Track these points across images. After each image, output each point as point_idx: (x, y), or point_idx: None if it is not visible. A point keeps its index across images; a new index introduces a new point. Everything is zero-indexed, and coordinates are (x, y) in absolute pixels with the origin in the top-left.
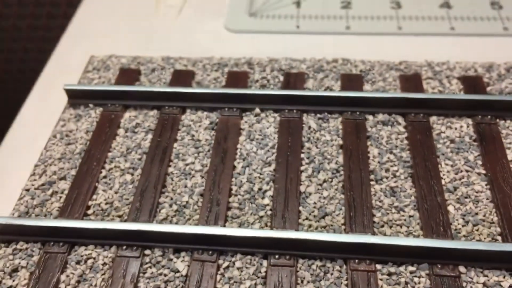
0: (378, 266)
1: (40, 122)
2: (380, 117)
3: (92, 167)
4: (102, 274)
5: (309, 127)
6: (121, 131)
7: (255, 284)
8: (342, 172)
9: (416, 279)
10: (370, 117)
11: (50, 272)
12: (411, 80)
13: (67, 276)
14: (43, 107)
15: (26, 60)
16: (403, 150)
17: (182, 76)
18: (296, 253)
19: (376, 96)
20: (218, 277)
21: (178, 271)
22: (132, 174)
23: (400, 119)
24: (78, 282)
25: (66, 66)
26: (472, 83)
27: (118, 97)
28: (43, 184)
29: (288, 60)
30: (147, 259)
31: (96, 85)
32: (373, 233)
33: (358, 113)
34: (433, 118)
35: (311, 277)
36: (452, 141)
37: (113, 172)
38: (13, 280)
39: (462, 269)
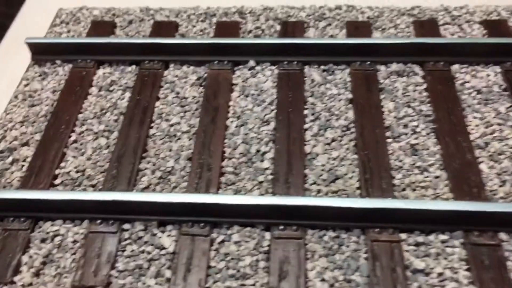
0: (403, 236)
1: (1, 84)
2: (394, 67)
3: (60, 130)
4: (72, 254)
5: (312, 81)
6: (93, 90)
7: (257, 260)
8: (353, 130)
9: (449, 249)
10: (382, 68)
11: (10, 252)
12: (427, 26)
13: (30, 257)
14: (5, 66)
15: None
16: (423, 103)
17: (164, 28)
18: (304, 223)
19: (389, 43)
20: (212, 253)
21: (164, 248)
22: (108, 138)
23: (417, 68)
24: (44, 264)
25: (32, 21)
26: (496, 27)
27: (90, 51)
28: (1, 151)
29: (284, 8)
30: (126, 235)
31: (64, 38)
32: (394, 198)
33: (368, 63)
34: (455, 67)
35: (323, 251)
36: (478, 92)
37: (85, 136)
38: None
39: (503, 236)
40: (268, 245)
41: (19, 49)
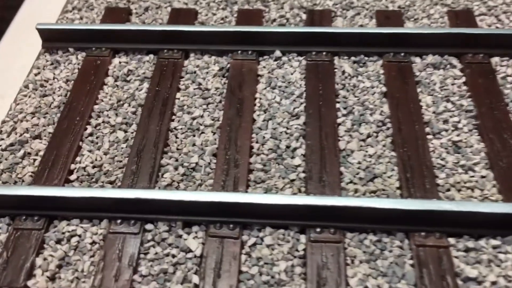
0: (451, 240)
1: (10, 71)
2: (430, 59)
3: (74, 122)
4: (90, 256)
5: (343, 72)
6: (109, 80)
7: (292, 265)
8: (389, 125)
9: (501, 256)
10: (417, 60)
11: (22, 254)
12: (462, 17)
13: (45, 259)
14: (14, 54)
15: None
16: (463, 97)
17: (182, 16)
18: (342, 225)
19: (425, 33)
20: (243, 257)
21: (190, 251)
22: (126, 131)
23: (454, 60)
24: (59, 267)
25: (41, 7)
26: None
27: (105, 39)
28: (12, 144)
29: None
30: (149, 236)
31: (77, 24)
32: (438, 199)
33: (402, 54)
34: (495, 59)
35: (364, 256)
36: None
37: (101, 128)
38: None
39: None
40: (304, 249)
41: (28, 35)
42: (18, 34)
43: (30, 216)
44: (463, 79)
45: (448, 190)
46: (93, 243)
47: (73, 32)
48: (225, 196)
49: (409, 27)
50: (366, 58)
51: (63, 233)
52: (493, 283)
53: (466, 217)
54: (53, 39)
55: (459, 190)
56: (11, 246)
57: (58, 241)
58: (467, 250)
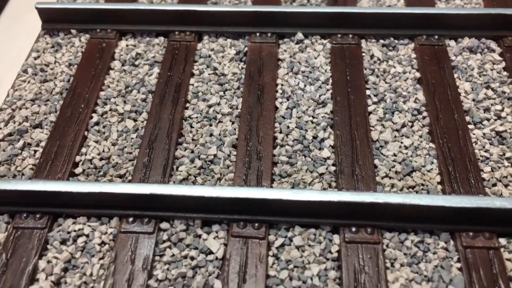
0: (503, 241)
1: (7, 55)
2: (466, 42)
3: (78, 110)
4: (100, 259)
5: (372, 56)
6: (116, 64)
7: (325, 269)
8: (425, 114)
9: None
10: (452, 43)
11: (24, 256)
12: None
13: (49, 262)
14: (10, 35)
15: None
16: (504, 83)
17: None
18: (381, 224)
19: (460, 14)
20: (270, 260)
21: (211, 253)
22: (135, 120)
23: (492, 44)
24: (65, 270)
25: None
26: None
27: (111, 20)
28: (10, 134)
29: None
30: (164, 236)
31: (79, 3)
32: (485, 195)
33: (436, 37)
34: None
35: (406, 258)
36: None
37: (109, 117)
38: None
39: None
40: (338, 251)
41: (26, 15)
42: (14, 14)
43: (31, 213)
44: (503, 64)
45: (495, 185)
46: (103, 243)
47: (75, 12)
48: (249, 192)
49: (442, 8)
50: (396, 41)
51: (69, 232)
52: None
53: None
54: (54, 20)
55: (506, 185)
56: (10, 247)
57: (63, 242)
58: None
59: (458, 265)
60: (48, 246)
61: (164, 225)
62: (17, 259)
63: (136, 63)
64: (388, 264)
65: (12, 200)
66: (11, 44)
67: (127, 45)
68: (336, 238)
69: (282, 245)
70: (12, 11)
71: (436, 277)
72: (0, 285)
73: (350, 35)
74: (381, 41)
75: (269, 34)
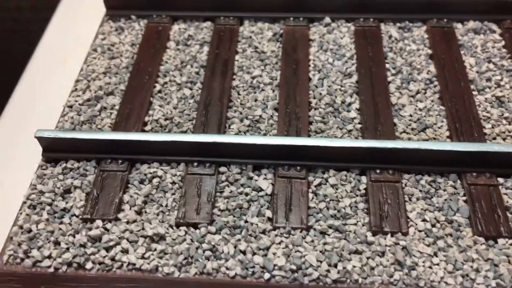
0: (501, 180)
1: (75, 36)
2: (471, 24)
3: (143, 81)
4: (172, 194)
5: (390, 37)
6: (171, 44)
7: (355, 202)
8: (436, 83)
9: None
10: (459, 25)
11: (111, 192)
12: None
13: (131, 196)
14: (77, 19)
15: None
16: (503, 58)
17: None
18: (400, 167)
19: (466, 0)
20: (310, 195)
21: (262, 190)
22: (191, 89)
23: (494, 26)
24: (145, 203)
25: None
26: None
27: (165, 7)
28: (88, 100)
29: None
30: (223, 177)
31: None
32: None
33: (445, 20)
34: None
35: (421, 194)
36: None
37: (169, 86)
38: (67, 202)
39: None
40: (365, 188)
41: (83, 2)
42: (73, 3)
43: (114, 159)
44: (503, 42)
45: (494, 138)
46: (173, 183)
47: (135, 0)
48: (292, 140)
49: None
50: (410, 24)
51: (145, 174)
52: None
53: None
54: (117, 7)
55: (504, 139)
56: (99, 185)
57: (141, 182)
58: None
59: (464, 198)
60: (129, 185)
61: (222, 169)
62: (105, 194)
63: (188, 43)
64: (407, 198)
65: (98, 148)
66: (76, 28)
67: (179, 29)
68: (364, 179)
69: (319, 184)
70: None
71: (446, 207)
72: (94, 213)
73: (371, 19)
74: (398, 24)
75: (301, 19)
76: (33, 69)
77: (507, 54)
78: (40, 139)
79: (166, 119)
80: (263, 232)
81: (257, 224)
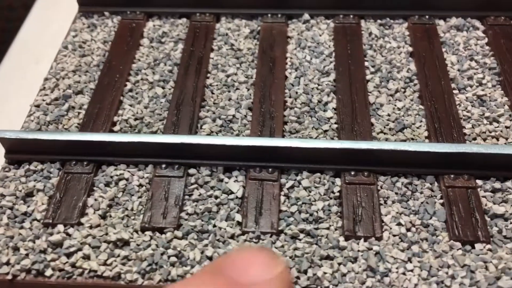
0: (479, 182)
1: (48, 34)
2: (454, 21)
3: (114, 79)
4: (138, 197)
5: (370, 34)
6: (145, 41)
7: (329, 205)
8: (416, 81)
9: None
10: (441, 22)
11: (74, 195)
12: None
13: (96, 200)
14: (50, 17)
15: None
16: (486, 56)
17: None
18: (375, 169)
19: None
20: (282, 198)
21: (232, 193)
22: (163, 87)
23: (477, 23)
24: (110, 206)
25: None
26: None
27: (139, 3)
28: (56, 99)
29: None
30: (192, 180)
31: None
32: None
33: (427, 17)
34: None
35: (397, 196)
36: None
37: (140, 85)
38: (28, 206)
39: None
40: (339, 191)
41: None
42: (49, 1)
43: (79, 161)
44: (486, 40)
45: (475, 139)
46: (140, 185)
47: None
48: (264, 141)
49: None
50: (391, 21)
51: (111, 177)
52: None
53: (494, 159)
54: (89, 4)
55: (484, 139)
56: (63, 188)
57: (107, 184)
58: (494, 190)
59: (441, 201)
60: (95, 188)
61: (192, 171)
62: (69, 197)
63: (163, 40)
64: (382, 201)
65: (63, 150)
66: (49, 26)
67: (154, 25)
68: (338, 181)
69: (292, 186)
70: None
71: (422, 210)
72: (56, 217)
73: (351, 16)
74: (379, 21)
75: (279, 15)
76: (5, 68)
77: (489, 51)
78: (2, 140)
79: (136, 119)
80: (232, 237)
81: (225, 229)
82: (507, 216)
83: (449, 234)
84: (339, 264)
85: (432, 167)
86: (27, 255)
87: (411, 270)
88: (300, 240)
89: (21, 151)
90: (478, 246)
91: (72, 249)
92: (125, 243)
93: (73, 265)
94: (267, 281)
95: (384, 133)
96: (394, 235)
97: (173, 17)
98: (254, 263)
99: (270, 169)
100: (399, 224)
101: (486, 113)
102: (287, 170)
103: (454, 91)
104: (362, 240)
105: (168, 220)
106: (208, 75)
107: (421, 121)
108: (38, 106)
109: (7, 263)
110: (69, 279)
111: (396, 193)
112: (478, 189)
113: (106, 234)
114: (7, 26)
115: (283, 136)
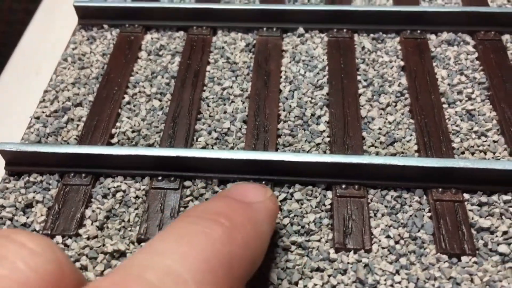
0: (466, 196)
1: (47, 45)
2: (445, 36)
3: (112, 92)
4: (135, 209)
5: (363, 48)
6: (143, 54)
7: (320, 217)
8: (407, 95)
9: None
10: (433, 36)
11: (73, 206)
12: None
13: (93, 211)
14: (50, 29)
15: None
16: (476, 71)
17: None
18: (366, 182)
19: (440, 11)
20: None
21: None
22: (160, 100)
23: (467, 38)
24: (107, 218)
25: None
26: None
27: (138, 16)
28: (56, 111)
29: None
30: (187, 192)
31: (111, 2)
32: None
33: (418, 31)
34: (505, 37)
35: (386, 209)
36: None
37: (138, 98)
38: (28, 217)
39: None
40: (331, 204)
41: (60, 13)
42: (51, 12)
43: (78, 173)
44: (476, 54)
45: (463, 153)
46: (137, 197)
47: (107, 9)
48: (258, 155)
49: (424, 6)
50: (384, 35)
51: (109, 188)
52: (505, 232)
53: (480, 173)
54: (89, 16)
55: (472, 153)
56: (61, 200)
57: (105, 196)
58: (481, 204)
59: (429, 214)
60: (92, 199)
61: (187, 183)
62: (67, 209)
63: (160, 53)
64: (372, 214)
65: (62, 162)
66: (49, 38)
67: (152, 38)
68: (329, 194)
69: (285, 199)
70: (46, 10)
71: (410, 223)
72: (54, 229)
73: (345, 30)
74: (371, 35)
75: (274, 29)
76: (5, 80)
77: (479, 66)
78: (3, 152)
79: (133, 131)
80: None
81: None
82: (493, 230)
83: (436, 247)
84: (329, 276)
85: (420, 180)
86: None
87: (399, 282)
88: (291, 252)
89: (21, 163)
90: (464, 258)
91: None
92: (122, 254)
93: None
94: (262, 201)
95: (375, 147)
96: (383, 248)
97: (170, 30)
98: (251, 190)
99: (263, 182)
100: (388, 236)
101: (474, 127)
102: (280, 183)
103: (444, 105)
104: (352, 252)
105: None
106: (204, 88)
107: (411, 135)
108: (38, 118)
109: None
110: None
111: (386, 206)
112: (465, 203)
113: (103, 245)
114: (8, 29)
115: (277, 149)
